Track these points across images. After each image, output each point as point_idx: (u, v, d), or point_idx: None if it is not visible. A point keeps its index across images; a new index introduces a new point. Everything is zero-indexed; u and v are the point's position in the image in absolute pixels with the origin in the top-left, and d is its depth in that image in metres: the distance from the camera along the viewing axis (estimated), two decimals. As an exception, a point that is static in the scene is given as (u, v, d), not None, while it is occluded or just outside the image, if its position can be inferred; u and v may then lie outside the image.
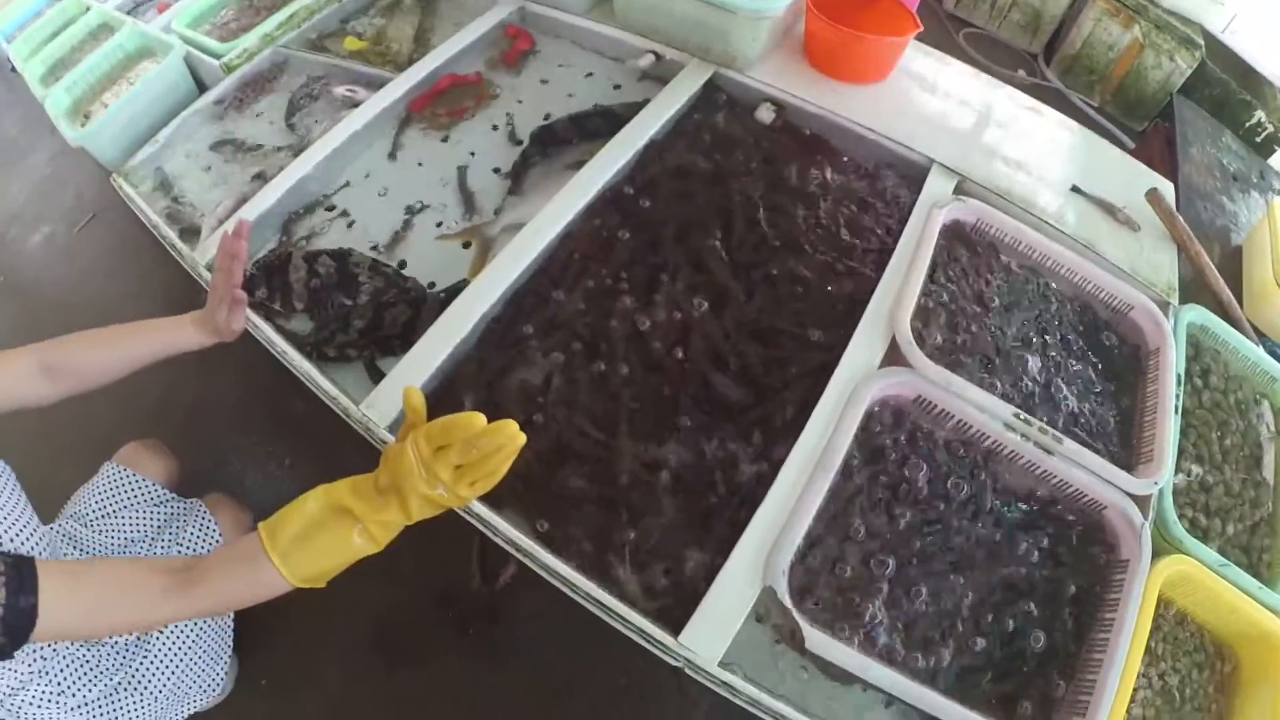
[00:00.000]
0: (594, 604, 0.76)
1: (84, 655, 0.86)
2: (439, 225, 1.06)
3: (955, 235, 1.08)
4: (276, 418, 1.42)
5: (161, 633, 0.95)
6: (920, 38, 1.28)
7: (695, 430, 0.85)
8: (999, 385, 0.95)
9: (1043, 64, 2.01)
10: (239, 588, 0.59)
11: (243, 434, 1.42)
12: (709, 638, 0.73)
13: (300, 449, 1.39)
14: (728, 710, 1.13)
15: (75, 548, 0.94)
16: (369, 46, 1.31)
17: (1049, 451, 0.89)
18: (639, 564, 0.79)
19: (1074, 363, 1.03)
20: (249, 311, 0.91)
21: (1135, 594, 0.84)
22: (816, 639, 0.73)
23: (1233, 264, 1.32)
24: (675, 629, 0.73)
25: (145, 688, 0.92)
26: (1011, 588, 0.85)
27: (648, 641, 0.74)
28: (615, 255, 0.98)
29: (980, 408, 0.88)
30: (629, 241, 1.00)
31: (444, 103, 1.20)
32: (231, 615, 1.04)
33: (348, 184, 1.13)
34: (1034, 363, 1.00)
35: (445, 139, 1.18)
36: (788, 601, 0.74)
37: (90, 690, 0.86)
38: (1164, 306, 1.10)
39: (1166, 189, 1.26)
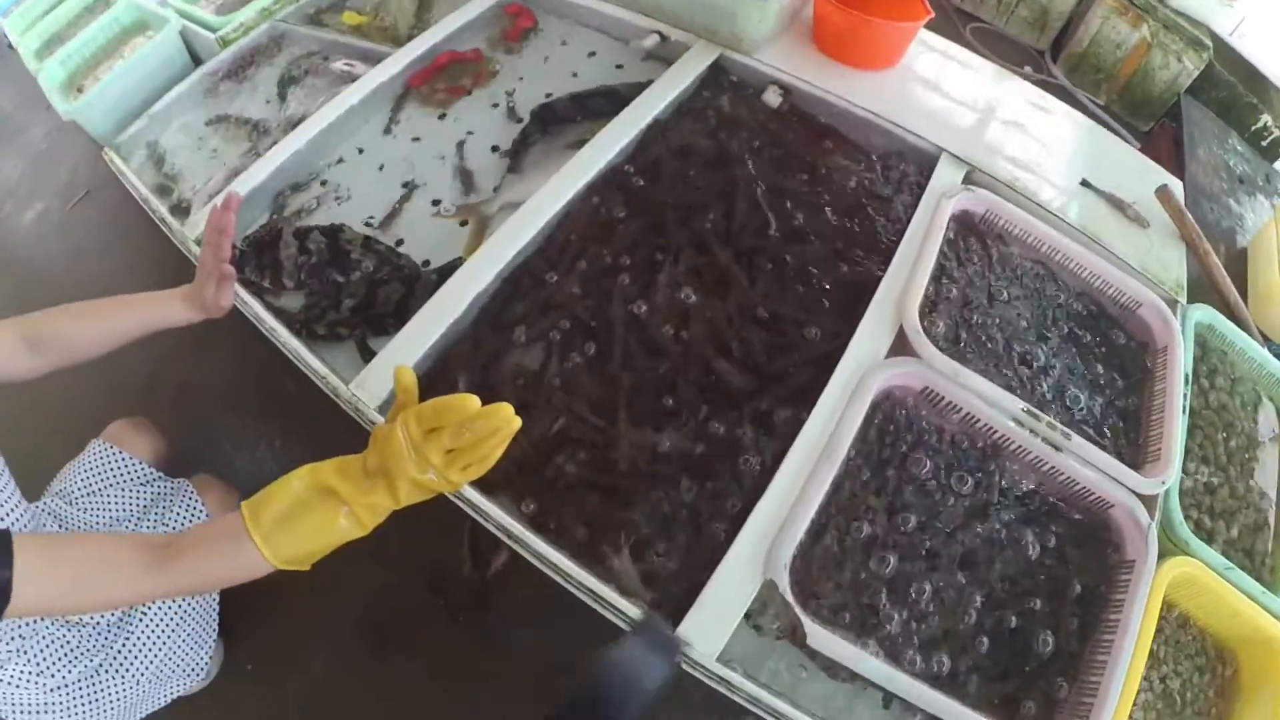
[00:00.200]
0: (588, 594, 0.72)
1: (64, 635, 0.83)
2: (435, 203, 1.02)
3: (964, 225, 1.04)
4: (268, 397, 1.37)
5: (144, 614, 0.91)
6: (927, 30, 1.24)
7: (696, 417, 0.81)
8: (1006, 379, 0.91)
9: (1049, 61, 1.97)
10: (219, 566, 0.56)
11: (233, 414, 1.38)
12: (708, 632, 0.69)
13: (291, 430, 1.35)
14: (720, 699, 1.11)
15: (60, 526, 0.91)
16: (369, 21, 1.26)
17: (1057, 448, 0.85)
18: (635, 554, 0.75)
19: (1081, 359, 0.99)
20: (238, 288, 0.88)
21: (1141, 595, 0.81)
22: (818, 635, 0.69)
23: (1237, 267, 1.29)
24: (673, 622, 0.69)
25: (127, 669, 0.89)
26: (1016, 585, 0.82)
27: (642, 635, 0.70)
28: (616, 236, 0.93)
29: (989, 401, 0.85)
30: (630, 223, 0.95)
31: (442, 79, 1.16)
32: (216, 597, 1.01)
33: (342, 160, 1.08)
34: (1041, 357, 0.96)
35: (443, 116, 1.13)
36: (789, 596, 0.70)
37: (70, 671, 0.83)
38: (1172, 305, 1.06)
39: (1176, 187, 1.23)
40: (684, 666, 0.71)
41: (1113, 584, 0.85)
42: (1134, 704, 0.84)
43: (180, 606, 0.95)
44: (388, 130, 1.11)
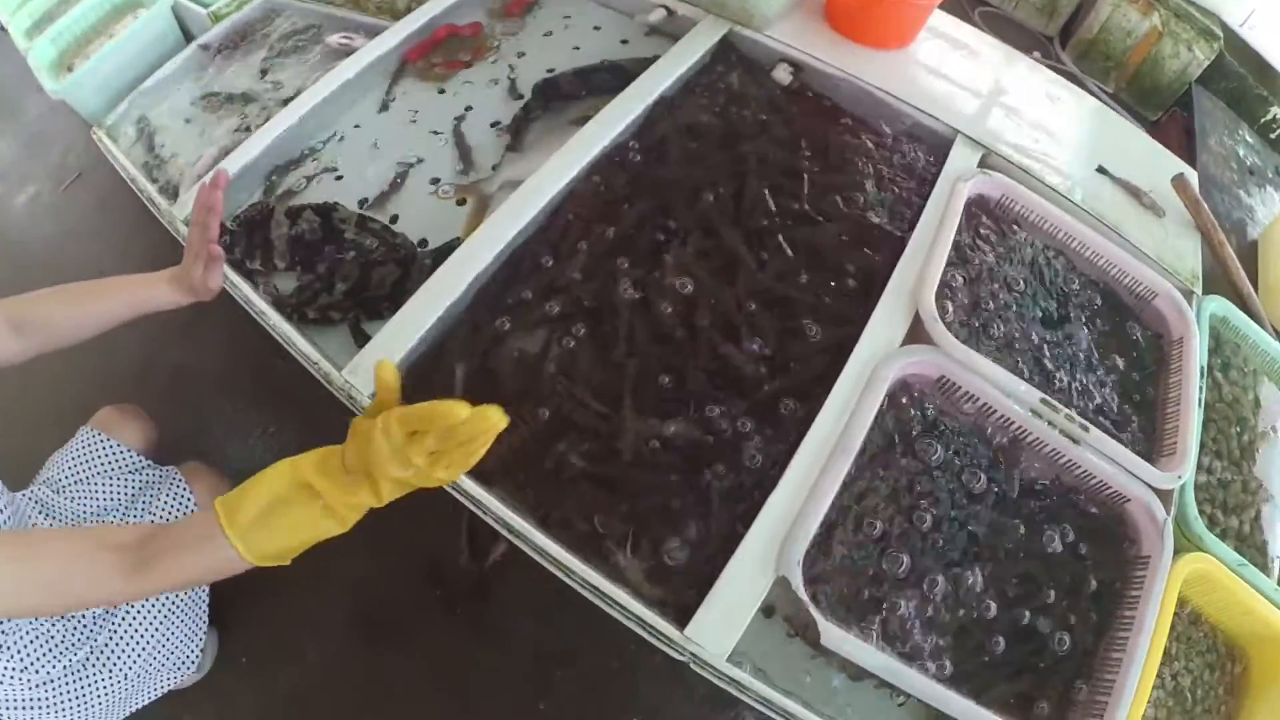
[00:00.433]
0: (592, 591, 0.68)
1: (46, 630, 0.79)
2: (433, 181, 0.96)
3: (979, 210, 0.99)
4: (261, 382, 1.32)
5: (130, 606, 0.87)
6: (939, 11, 1.18)
7: (705, 406, 0.77)
8: (1022, 368, 0.87)
9: (1058, 47, 1.92)
10: (195, 565, 0.53)
11: (226, 399, 1.33)
12: (717, 631, 0.65)
13: (285, 416, 1.30)
14: (723, 694, 1.08)
15: (46, 515, 0.87)
16: (365, -7, 1.20)
17: (1075, 440, 0.81)
18: (641, 550, 0.71)
19: (1097, 349, 0.95)
20: (227, 270, 0.83)
21: (1156, 592, 0.78)
22: (832, 634, 0.65)
23: (1247, 258, 1.25)
24: (680, 621, 0.65)
25: (114, 663, 0.85)
26: (1032, 582, 0.78)
27: (650, 634, 0.67)
28: (621, 217, 0.88)
29: (1006, 391, 0.81)
30: (636, 203, 0.90)
31: (440, 53, 1.09)
32: (207, 590, 0.96)
33: (336, 136, 1.02)
34: (1058, 348, 0.92)
35: (441, 91, 1.06)
36: (803, 594, 0.66)
37: (54, 666, 0.79)
38: (1188, 296, 1.02)
39: (1191, 176, 1.18)
40: (694, 667, 0.68)
41: (1128, 580, 0.81)
42: (1145, 703, 0.81)
43: (168, 598, 0.91)
44: (384, 106, 1.05)
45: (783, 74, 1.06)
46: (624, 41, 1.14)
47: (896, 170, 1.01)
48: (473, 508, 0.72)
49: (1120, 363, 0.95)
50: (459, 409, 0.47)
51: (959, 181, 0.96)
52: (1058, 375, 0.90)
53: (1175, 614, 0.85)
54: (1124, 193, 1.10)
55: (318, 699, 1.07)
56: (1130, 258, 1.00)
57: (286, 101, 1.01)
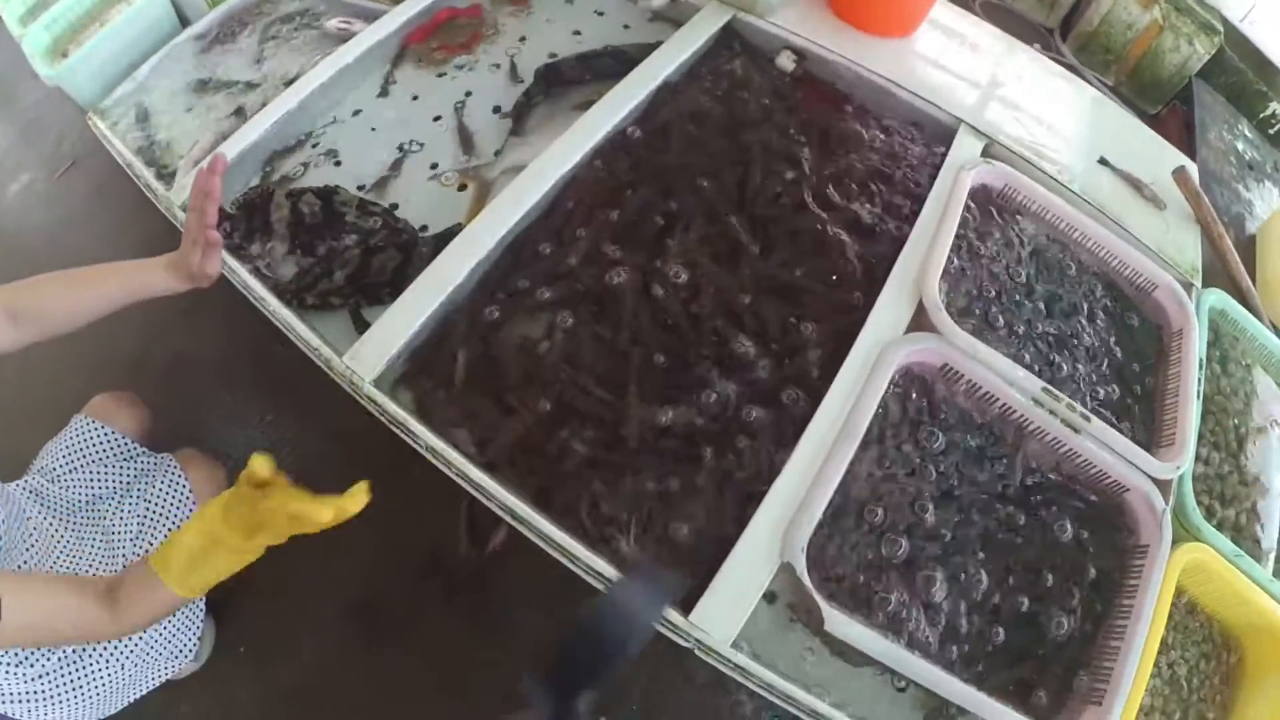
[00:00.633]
0: (595, 577, 0.68)
1: None
2: (434, 167, 0.95)
3: (982, 199, 0.99)
4: (259, 371, 1.31)
5: None
6: (941, 1, 1.18)
7: (709, 393, 0.77)
8: (1024, 357, 0.88)
9: (1059, 40, 1.92)
10: (151, 606, 0.63)
11: (225, 388, 1.32)
12: (722, 617, 0.65)
13: (283, 405, 1.29)
14: (723, 679, 1.09)
15: (41, 504, 0.87)
16: (363, -24, 1.18)
17: (1075, 430, 0.82)
18: (644, 536, 0.71)
19: (1098, 340, 0.96)
20: (226, 255, 0.82)
21: (1155, 581, 0.78)
22: (836, 620, 0.66)
23: (1245, 253, 1.26)
24: (685, 607, 0.65)
25: (111, 654, 0.85)
26: (1032, 570, 0.79)
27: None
28: (624, 202, 0.87)
29: (1009, 380, 0.81)
30: (639, 189, 0.89)
31: (440, 37, 1.08)
32: None
33: (335, 121, 1.01)
34: (1059, 337, 0.92)
35: (441, 75, 1.05)
36: (807, 580, 0.66)
37: (50, 658, 0.79)
38: (1187, 288, 1.03)
39: (1192, 169, 1.19)
40: (698, 653, 0.68)
41: (1126, 569, 0.82)
42: (1143, 691, 0.82)
43: None
44: (384, 91, 1.04)
45: (786, 61, 1.06)
46: (626, 26, 1.13)
47: (900, 159, 1.01)
48: (477, 494, 0.72)
49: (1120, 354, 0.96)
50: (325, 515, 0.59)
51: (962, 171, 0.96)
52: (1059, 365, 0.90)
53: (1172, 603, 0.86)
54: (1125, 184, 1.10)
55: (316, 688, 1.07)
56: (1131, 249, 1.01)
57: (286, 85, 1.00)
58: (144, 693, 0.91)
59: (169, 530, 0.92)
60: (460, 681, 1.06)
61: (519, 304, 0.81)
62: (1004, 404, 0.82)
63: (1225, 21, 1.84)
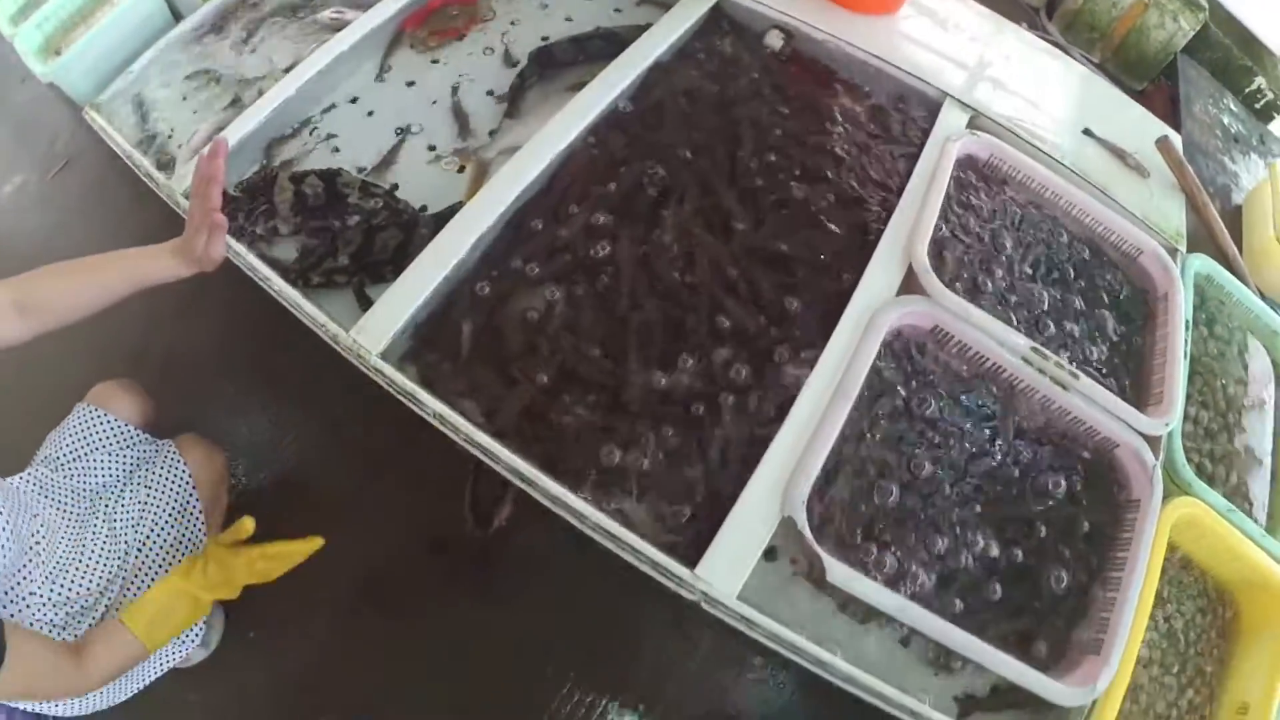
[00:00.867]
0: (605, 536, 0.71)
1: (49, 618, 0.83)
2: (431, 149, 0.99)
3: (969, 169, 1.04)
4: (258, 360, 1.34)
5: (130, 586, 0.90)
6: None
7: (707, 357, 0.81)
8: (1012, 320, 0.92)
9: (1045, 18, 1.98)
10: (115, 657, 0.75)
11: (225, 378, 1.34)
12: (726, 570, 0.69)
13: (282, 395, 1.32)
14: (726, 651, 1.12)
15: (46, 495, 0.89)
16: (356, -34, 1.22)
17: (1064, 387, 0.86)
18: (648, 495, 0.75)
19: (1085, 303, 1.00)
20: (230, 239, 0.85)
21: (1148, 533, 0.82)
22: (838, 571, 0.69)
23: (1232, 223, 1.31)
24: (690, 562, 0.69)
25: None
26: (1027, 524, 0.83)
27: (662, 575, 0.70)
28: (619, 178, 0.91)
29: (998, 340, 0.85)
30: (633, 165, 0.93)
31: (434, 23, 1.12)
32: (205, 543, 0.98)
33: (333, 107, 1.05)
34: (1047, 301, 0.97)
35: (436, 61, 1.09)
36: (808, 533, 0.70)
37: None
38: (1172, 253, 1.07)
39: (1175, 139, 1.24)
40: (704, 606, 0.71)
41: (1120, 523, 0.86)
42: (1140, 642, 0.86)
43: (166, 538, 0.94)
44: (380, 76, 1.08)
45: (774, 39, 1.11)
46: (617, 10, 1.17)
47: (887, 132, 1.05)
48: (486, 459, 0.75)
49: (1108, 317, 1.00)
50: (299, 556, 0.84)
51: (948, 141, 1.01)
52: (1047, 327, 0.94)
53: (1166, 558, 0.90)
54: (1109, 154, 1.15)
55: (327, 672, 1.09)
56: (1116, 216, 1.05)
57: (284, 74, 1.03)
58: (151, 680, 0.93)
59: (169, 516, 0.95)
60: (470, 656, 1.10)
61: (520, 277, 0.85)
62: (994, 363, 0.86)
63: (1210, -2, 1.89)
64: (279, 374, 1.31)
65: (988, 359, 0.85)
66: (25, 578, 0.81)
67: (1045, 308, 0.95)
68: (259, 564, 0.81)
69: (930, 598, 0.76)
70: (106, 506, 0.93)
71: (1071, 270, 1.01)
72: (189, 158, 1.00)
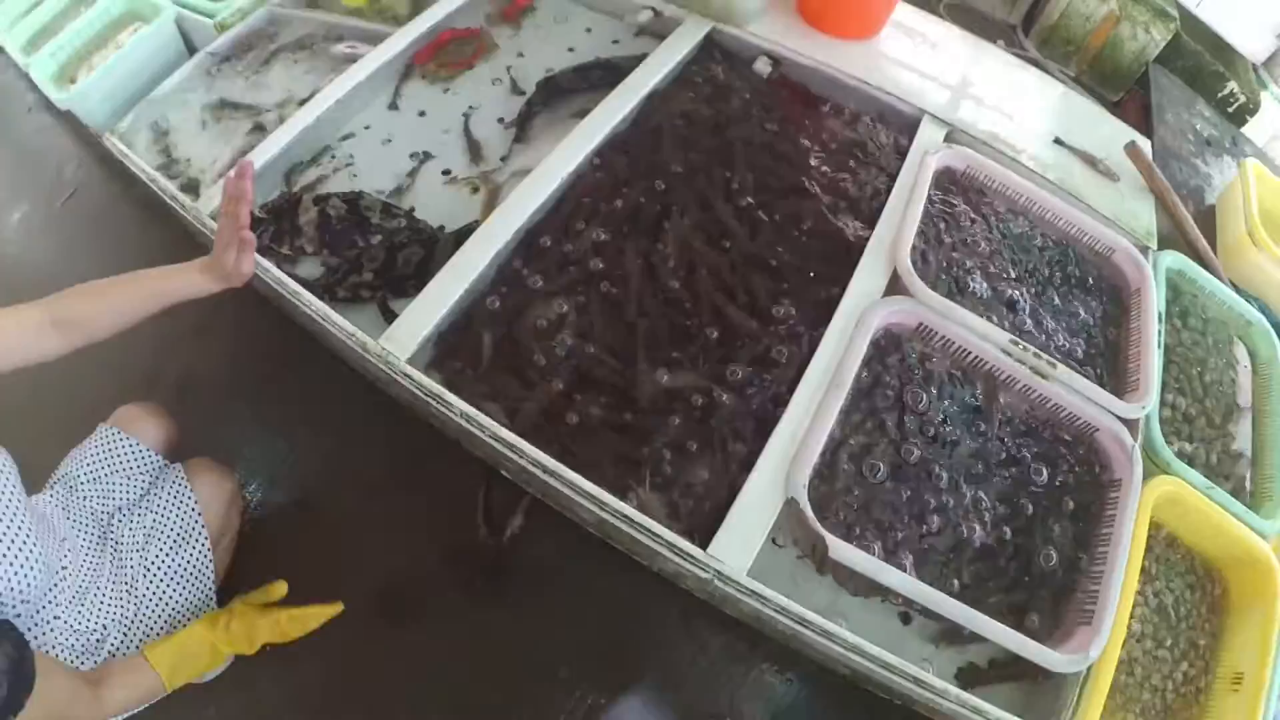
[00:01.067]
0: (624, 521, 0.82)
1: (69, 642, 0.87)
2: (445, 173, 1.12)
3: (947, 180, 1.18)
4: (270, 383, 1.44)
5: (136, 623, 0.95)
6: (905, 4, 1.39)
7: (709, 357, 0.93)
8: (993, 317, 1.05)
9: (1021, 35, 2.16)
10: (133, 690, 0.83)
11: (238, 402, 1.43)
12: (737, 548, 0.80)
13: (294, 413, 1.41)
14: (734, 654, 1.21)
15: (69, 519, 0.95)
16: (367, 4, 1.37)
17: (1044, 376, 0.98)
18: (660, 485, 0.86)
19: (1061, 300, 1.13)
20: (256, 256, 0.94)
21: (1130, 508, 0.93)
22: (840, 548, 0.80)
23: (1206, 222, 1.46)
24: (702, 544, 0.79)
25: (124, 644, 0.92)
26: (1016, 505, 0.94)
27: (677, 555, 0.81)
28: (624, 196, 1.05)
29: (979, 334, 0.98)
30: (636, 184, 1.07)
31: (444, 56, 1.27)
32: (211, 585, 1.04)
33: (349, 135, 1.18)
34: (1025, 300, 1.10)
35: (446, 90, 1.24)
36: (809, 512, 0.81)
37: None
38: (1144, 251, 1.21)
39: (1145, 144, 1.39)
40: (718, 582, 0.81)
41: (1103, 502, 0.97)
42: (1132, 616, 0.96)
43: (171, 590, 0.98)
44: (393, 105, 1.22)
45: (763, 66, 1.26)
46: (615, 41, 1.33)
47: (870, 148, 1.20)
48: (509, 453, 0.86)
49: (1084, 313, 1.13)
50: (318, 620, 0.95)
51: (927, 155, 1.15)
52: (1026, 325, 1.07)
53: (1152, 536, 1.01)
54: (1080, 161, 1.30)
55: (343, 683, 1.16)
56: (1088, 218, 1.19)
57: (301, 104, 1.17)
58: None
59: (173, 542, 0.99)
60: (484, 661, 1.18)
61: (536, 289, 0.97)
62: (976, 356, 0.98)
63: (1180, 7, 2.08)
64: (291, 393, 1.41)
65: (970, 352, 0.98)
66: (51, 601, 0.85)
67: (1024, 306, 1.08)
68: (281, 625, 0.92)
69: (926, 575, 0.87)
70: (114, 531, 0.97)
71: (1048, 270, 1.15)
72: (213, 181, 1.12)
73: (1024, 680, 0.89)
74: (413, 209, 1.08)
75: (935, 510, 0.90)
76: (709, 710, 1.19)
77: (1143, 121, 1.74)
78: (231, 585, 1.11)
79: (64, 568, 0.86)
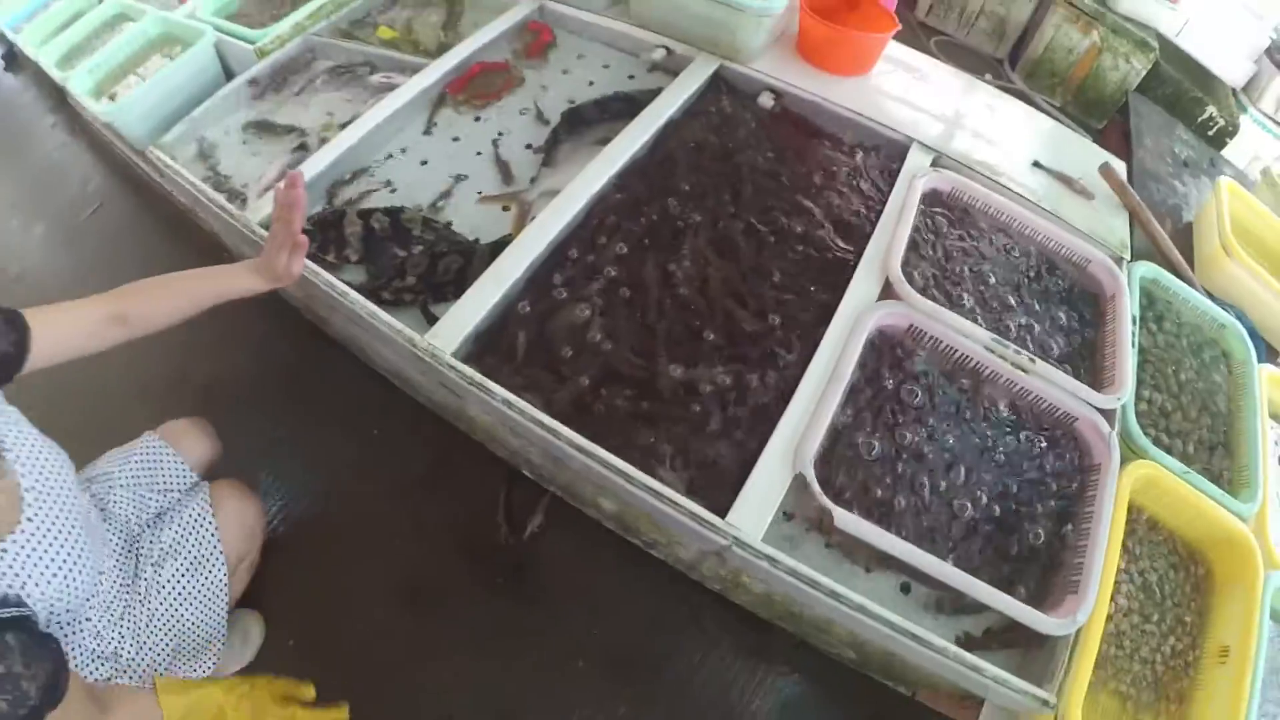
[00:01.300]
0: (651, 494, 0.98)
1: (88, 646, 0.94)
2: (479, 193, 1.32)
3: (934, 201, 1.39)
4: (292, 388, 1.60)
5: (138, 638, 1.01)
6: (896, 43, 1.63)
7: (722, 355, 1.11)
8: (979, 324, 1.24)
9: (1008, 68, 2.43)
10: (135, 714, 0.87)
11: (259, 411, 1.58)
12: (751, 517, 0.96)
13: (316, 418, 1.57)
14: (746, 648, 1.35)
15: (109, 522, 1.03)
16: (400, 36, 1.60)
17: (1024, 370, 1.17)
18: (681, 464, 1.02)
19: (1040, 306, 1.33)
20: (306, 262, 1.07)
21: (1109, 488, 1.09)
22: (845, 519, 0.96)
23: (1184, 240, 1.67)
24: (720, 513, 0.96)
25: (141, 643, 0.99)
26: (1002, 486, 1.11)
27: (698, 523, 0.97)
28: (643, 214, 1.25)
29: (964, 334, 1.16)
30: (654, 203, 1.28)
31: (474, 87, 1.49)
32: (224, 610, 1.10)
33: (390, 156, 1.38)
34: (1008, 308, 1.29)
35: (478, 119, 1.45)
36: (816, 485, 0.98)
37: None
38: (1118, 261, 1.41)
39: (1119, 165, 1.61)
40: (734, 548, 0.97)
41: (1085, 485, 1.15)
42: (1118, 592, 1.12)
43: (181, 592, 1.04)
44: (427, 131, 1.43)
45: (766, 100, 1.49)
46: (631, 77, 1.57)
47: (864, 172, 1.41)
48: (547, 435, 1.02)
49: (1064, 317, 1.33)
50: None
51: (915, 178, 1.36)
52: (1008, 329, 1.26)
53: (1134, 519, 1.17)
54: (1057, 181, 1.52)
55: (366, 679, 1.29)
56: (1065, 233, 1.40)
57: (342, 127, 1.37)
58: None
59: (190, 564, 1.05)
60: (503, 658, 1.31)
61: (565, 295, 1.16)
62: (962, 354, 1.17)
63: (1160, 37, 2.35)
64: (314, 399, 1.58)
65: (956, 350, 1.17)
66: (86, 603, 0.91)
67: (1006, 311, 1.28)
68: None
69: (921, 549, 1.03)
70: (136, 542, 1.05)
71: (1027, 279, 1.35)
72: (260, 193, 1.30)
73: (1017, 648, 1.04)
74: (450, 223, 1.27)
75: (929, 493, 1.07)
76: (719, 706, 1.33)
77: (1124, 147, 1.98)
78: (257, 587, 1.24)
79: (102, 572, 0.94)
